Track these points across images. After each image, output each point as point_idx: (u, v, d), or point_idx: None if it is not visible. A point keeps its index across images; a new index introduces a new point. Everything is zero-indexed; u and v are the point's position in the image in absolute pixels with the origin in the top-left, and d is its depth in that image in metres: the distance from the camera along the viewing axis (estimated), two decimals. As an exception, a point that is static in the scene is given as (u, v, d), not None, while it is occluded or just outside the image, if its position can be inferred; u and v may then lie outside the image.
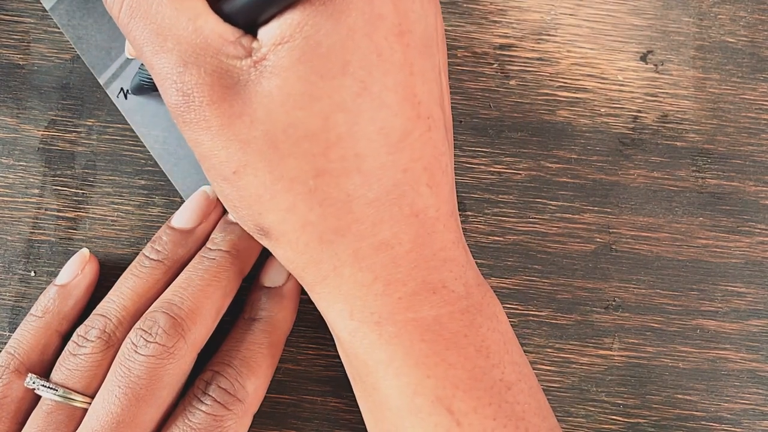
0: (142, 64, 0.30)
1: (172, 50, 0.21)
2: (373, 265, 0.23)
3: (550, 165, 0.32)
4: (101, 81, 0.31)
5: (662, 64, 0.32)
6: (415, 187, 0.22)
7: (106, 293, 0.28)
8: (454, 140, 0.32)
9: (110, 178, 0.31)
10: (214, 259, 0.27)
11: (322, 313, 0.26)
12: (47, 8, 0.31)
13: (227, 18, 0.21)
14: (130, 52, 0.28)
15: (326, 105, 0.21)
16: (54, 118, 0.31)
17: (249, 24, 0.21)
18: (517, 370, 0.25)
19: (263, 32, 0.21)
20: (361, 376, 0.25)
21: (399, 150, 0.22)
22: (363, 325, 0.24)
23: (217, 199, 0.30)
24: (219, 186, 0.23)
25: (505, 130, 0.32)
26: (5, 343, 0.29)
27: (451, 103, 0.31)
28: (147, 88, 0.30)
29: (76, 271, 0.29)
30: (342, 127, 0.21)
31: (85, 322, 0.27)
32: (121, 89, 0.31)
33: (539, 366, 0.31)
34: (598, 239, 0.32)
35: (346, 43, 0.21)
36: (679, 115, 0.32)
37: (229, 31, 0.21)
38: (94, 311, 0.28)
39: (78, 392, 0.26)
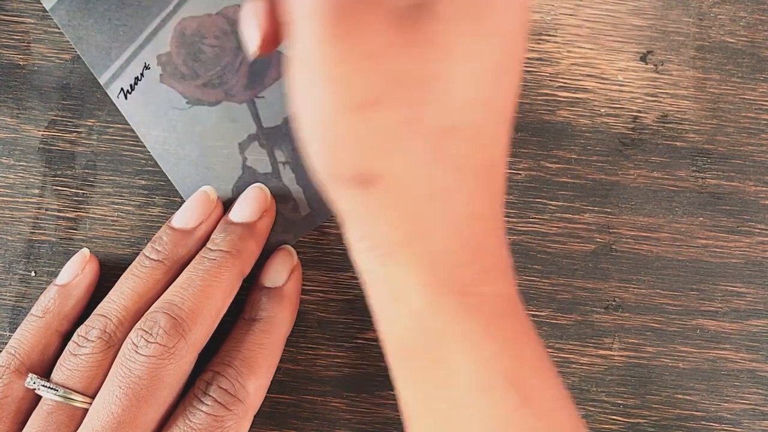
0: None
1: None
2: (466, 232, 0.22)
3: (550, 165, 0.32)
4: (101, 81, 0.31)
5: (662, 65, 0.32)
6: (503, 171, 0.23)
7: (107, 293, 0.28)
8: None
9: (110, 178, 0.31)
10: (214, 259, 0.27)
11: (387, 283, 0.24)
12: (47, 8, 0.31)
13: None
14: None
15: (481, 65, 0.21)
16: (54, 118, 0.31)
17: None
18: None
19: None
20: (424, 351, 0.23)
21: (504, 132, 0.23)
22: (444, 296, 0.22)
23: (218, 198, 0.30)
24: (335, 119, 0.21)
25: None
26: (6, 343, 0.29)
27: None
28: None
29: (77, 271, 0.29)
30: (485, 93, 0.22)
31: (85, 322, 0.27)
32: (121, 89, 0.31)
33: (539, 366, 0.31)
34: (598, 239, 0.32)
35: (510, 9, 0.21)
36: (679, 115, 0.32)
37: None
38: (95, 311, 0.28)
39: (78, 392, 0.26)
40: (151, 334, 0.25)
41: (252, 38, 0.24)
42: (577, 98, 0.32)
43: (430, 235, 0.22)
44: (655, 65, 0.32)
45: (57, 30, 0.31)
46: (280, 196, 0.31)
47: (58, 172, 0.31)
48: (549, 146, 0.32)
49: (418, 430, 0.24)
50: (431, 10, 0.20)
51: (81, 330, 0.27)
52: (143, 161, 0.31)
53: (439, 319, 0.23)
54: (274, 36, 0.24)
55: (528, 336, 0.24)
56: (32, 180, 0.31)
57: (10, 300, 0.31)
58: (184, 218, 0.29)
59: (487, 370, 0.22)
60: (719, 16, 0.32)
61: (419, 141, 0.21)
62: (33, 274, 0.31)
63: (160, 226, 0.30)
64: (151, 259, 0.28)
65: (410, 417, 0.25)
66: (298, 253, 0.31)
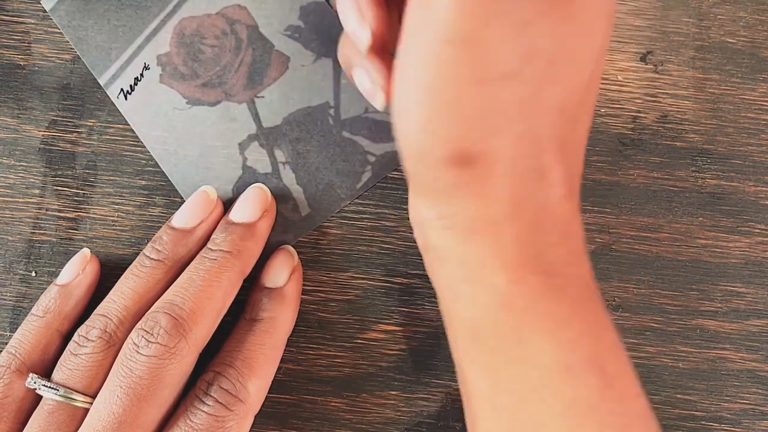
0: None
1: None
2: (556, 212, 0.22)
3: (550, 165, 0.32)
4: (102, 82, 0.31)
5: (662, 65, 0.32)
6: (583, 151, 0.24)
7: (107, 293, 0.28)
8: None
9: (111, 178, 0.31)
10: (215, 259, 0.27)
11: (468, 263, 0.23)
12: (47, 9, 0.31)
13: None
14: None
15: (597, 43, 0.21)
16: (55, 118, 0.31)
17: None
18: None
19: None
20: (501, 331, 0.23)
21: (592, 110, 0.23)
22: (530, 275, 0.22)
23: (218, 198, 0.30)
24: (461, 90, 0.19)
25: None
26: (6, 343, 0.29)
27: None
28: None
29: (77, 271, 0.29)
30: (597, 74, 0.22)
31: (86, 322, 0.27)
32: (121, 90, 0.31)
33: (539, 366, 0.31)
34: (598, 239, 0.32)
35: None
36: (679, 116, 0.32)
37: None
38: (95, 311, 0.28)
39: (79, 392, 0.26)
40: (152, 334, 0.25)
41: (363, 39, 0.23)
42: (577, 98, 0.32)
43: (523, 214, 0.22)
44: (655, 65, 0.32)
45: (57, 30, 0.31)
46: (280, 196, 0.31)
47: (59, 173, 0.31)
48: (549, 146, 0.32)
49: (491, 411, 0.23)
50: None
51: (81, 330, 0.27)
52: (143, 161, 0.31)
53: (523, 298, 0.22)
54: (385, 31, 0.23)
55: (607, 320, 0.23)
56: (33, 180, 0.31)
57: (10, 300, 0.31)
58: (184, 218, 0.29)
59: (571, 350, 0.22)
60: (719, 17, 0.32)
61: (532, 120, 0.20)
62: (33, 274, 0.31)
63: (161, 226, 0.30)
64: (152, 258, 0.28)
65: (480, 398, 0.24)
66: (298, 253, 0.31)
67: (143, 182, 0.31)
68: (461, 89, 0.19)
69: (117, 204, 0.31)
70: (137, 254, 0.29)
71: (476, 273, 0.23)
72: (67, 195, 0.31)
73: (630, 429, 0.22)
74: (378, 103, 0.24)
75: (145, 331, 0.26)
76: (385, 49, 0.24)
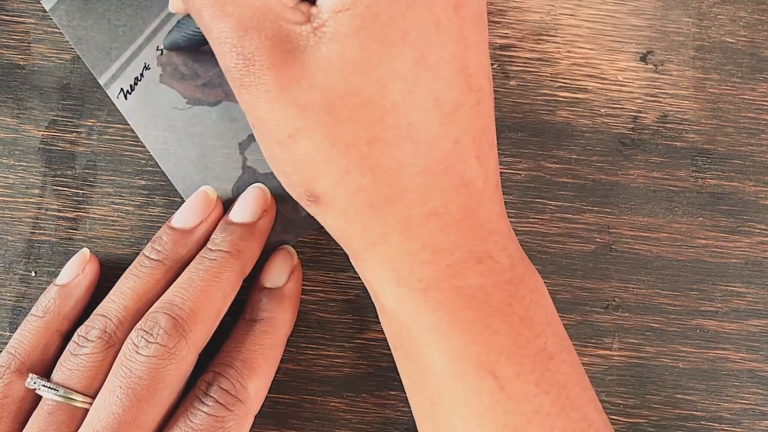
0: (179, 21, 0.30)
1: (231, 14, 0.22)
2: (421, 233, 0.23)
3: (550, 165, 0.32)
4: (101, 82, 0.31)
5: (662, 65, 0.32)
6: (464, 159, 0.23)
7: (107, 293, 0.28)
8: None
9: (110, 178, 0.31)
10: (214, 259, 0.27)
11: (365, 282, 0.26)
12: (47, 9, 0.31)
13: None
14: (176, 8, 0.28)
15: (384, 73, 0.21)
16: (54, 118, 0.31)
17: None
18: (559, 342, 0.25)
19: (329, 3, 0.21)
20: (403, 343, 0.25)
21: (450, 121, 0.22)
22: (409, 292, 0.24)
23: (218, 198, 0.30)
24: (272, 151, 0.24)
25: (505, 131, 0.32)
26: (6, 343, 0.29)
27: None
28: (183, 45, 0.30)
29: (77, 271, 0.29)
30: (398, 95, 0.22)
31: (85, 323, 0.27)
32: (121, 89, 0.31)
33: (539, 366, 0.31)
34: (598, 239, 0.32)
35: (405, 12, 0.21)
36: (679, 116, 0.32)
37: None
38: (95, 311, 0.28)
39: (79, 392, 0.26)
40: (151, 334, 0.25)
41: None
42: (577, 98, 0.32)
43: (386, 239, 0.23)
44: (655, 65, 0.32)
45: (57, 30, 0.31)
46: (280, 196, 0.31)
47: (58, 172, 0.31)
48: (549, 146, 0.32)
49: (417, 415, 0.26)
50: (324, 33, 0.21)
51: (81, 330, 0.27)
52: (143, 161, 0.31)
53: (407, 314, 0.24)
54: None
55: (507, 324, 0.24)
56: (32, 180, 0.31)
57: (10, 300, 0.31)
58: (183, 218, 0.29)
59: (459, 359, 0.24)
60: (719, 16, 0.32)
61: (343, 159, 0.22)
62: (33, 274, 0.31)
63: (160, 226, 0.30)
64: (151, 258, 0.28)
65: (411, 404, 0.27)
66: (298, 253, 0.31)
67: (143, 182, 0.31)
68: (273, 152, 0.23)
69: (117, 204, 0.31)
70: (137, 254, 0.29)
71: (373, 292, 0.26)
72: (67, 195, 0.31)
73: (530, 427, 0.23)
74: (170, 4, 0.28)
75: (145, 331, 0.26)
76: None
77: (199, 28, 0.29)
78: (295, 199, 0.25)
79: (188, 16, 0.29)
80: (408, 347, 0.25)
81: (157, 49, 0.31)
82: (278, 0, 0.21)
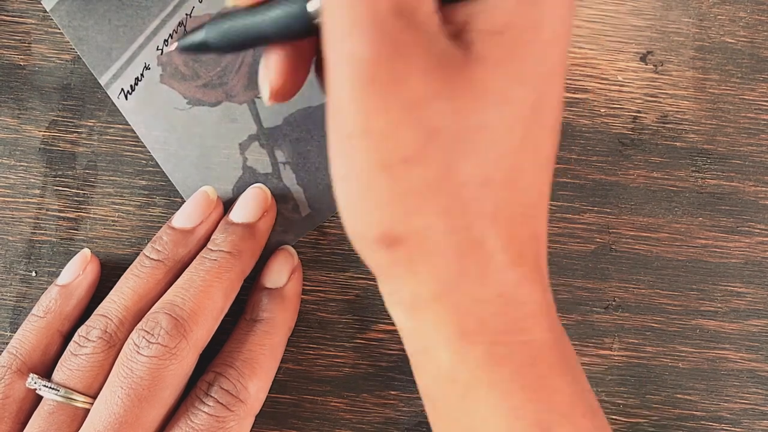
0: (212, 20, 0.24)
1: None
2: (497, 281, 0.22)
3: (550, 165, 0.32)
4: (102, 82, 0.31)
5: (662, 65, 0.32)
6: (542, 211, 0.22)
7: (108, 293, 0.28)
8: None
9: (111, 178, 0.31)
10: (215, 260, 0.27)
11: (415, 335, 0.23)
12: (48, 9, 0.31)
13: None
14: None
15: (513, 111, 0.20)
16: (55, 118, 0.31)
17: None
18: (596, 397, 0.24)
19: (481, 13, 0.19)
20: (450, 400, 0.23)
21: (543, 172, 0.22)
22: (472, 346, 0.22)
23: (218, 198, 0.30)
24: (370, 177, 0.20)
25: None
26: (7, 344, 0.29)
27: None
28: (213, 46, 0.25)
29: (78, 271, 0.29)
30: (517, 137, 0.20)
31: (86, 323, 0.27)
32: (122, 90, 0.31)
33: (539, 366, 0.31)
34: (598, 239, 0.32)
35: (547, 49, 0.20)
36: (679, 116, 0.32)
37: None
38: (96, 311, 0.28)
39: (79, 392, 0.26)
40: (152, 335, 0.25)
41: (264, 91, 0.23)
42: (577, 98, 0.32)
43: (459, 288, 0.21)
44: (655, 65, 0.32)
45: (58, 30, 0.31)
46: (281, 197, 0.31)
47: (59, 173, 0.31)
48: (549, 146, 0.32)
49: None
50: (470, 50, 0.19)
51: (82, 330, 0.27)
52: (144, 161, 0.31)
53: (466, 370, 0.22)
54: (286, 89, 0.23)
55: (561, 383, 0.23)
56: (33, 180, 0.31)
57: (10, 300, 0.31)
58: (184, 218, 0.29)
59: (516, 417, 0.22)
60: (719, 17, 0.32)
61: (449, 197, 0.20)
62: (34, 274, 0.31)
63: (161, 227, 0.30)
64: (152, 259, 0.28)
65: None
66: (298, 253, 0.31)
67: (143, 182, 0.31)
68: (369, 177, 0.20)
69: (117, 204, 0.31)
70: (137, 254, 0.29)
71: (423, 346, 0.23)
72: (68, 195, 0.31)
73: None
74: (263, 94, 0.24)
75: (146, 331, 0.26)
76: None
77: (239, 31, 0.24)
78: (354, 244, 0.22)
79: (227, 15, 0.24)
80: (456, 405, 0.23)
81: (158, 49, 0.31)
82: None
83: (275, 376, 0.29)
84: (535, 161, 0.21)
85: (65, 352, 0.27)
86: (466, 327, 0.22)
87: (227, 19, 0.24)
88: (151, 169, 0.31)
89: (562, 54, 0.21)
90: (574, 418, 0.23)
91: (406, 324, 0.23)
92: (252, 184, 0.30)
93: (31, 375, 0.27)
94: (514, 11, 0.19)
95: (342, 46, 0.18)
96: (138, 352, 0.25)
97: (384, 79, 0.18)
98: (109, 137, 0.31)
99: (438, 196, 0.20)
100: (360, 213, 0.21)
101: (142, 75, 0.31)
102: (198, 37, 0.25)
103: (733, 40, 0.32)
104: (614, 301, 0.31)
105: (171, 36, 0.31)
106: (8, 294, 0.31)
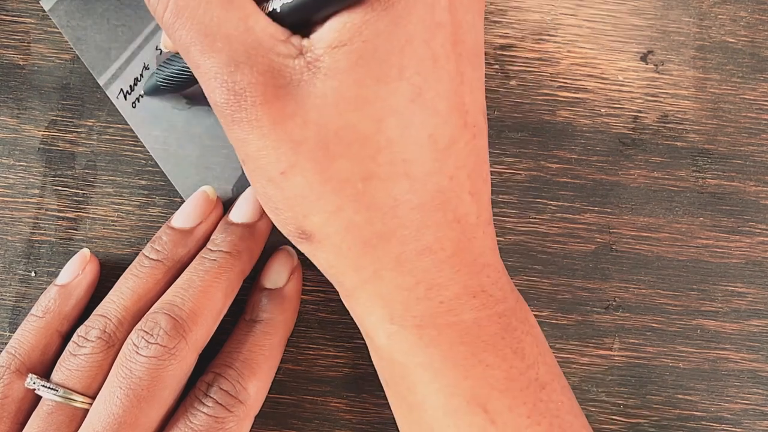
0: (159, 66, 0.29)
1: (221, 50, 0.21)
2: (415, 269, 0.23)
3: (550, 165, 0.32)
4: (101, 82, 0.31)
5: (662, 64, 0.32)
6: (459, 194, 0.23)
7: (107, 293, 0.28)
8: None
9: (110, 178, 0.31)
10: (214, 260, 0.27)
11: (356, 319, 0.26)
12: (46, 9, 0.31)
13: (274, 19, 0.21)
14: (166, 46, 0.27)
15: (380, 108, 0.21)
16: (54, 118, 0.31)
17: (299, 24, 0.21)
18: (551, 371, 0.25)
19: (319, 33, 0.21)
20: (396, 380, 0.25)
21: (446, 157, 0.22)
22: (403, 329, 0.24)
23: (218, 198, 0.30)
24: (264, 188, 0.23)
25: (506, 131, 0.32)
26: (6, 344, 0.29)
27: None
28: (164, 89, 0.29)
29: (77, 271, 0.29)
30: (394, 131, 0.21)
31: (85, 323, 0.27)
32: (121, 90, 0.31)
33: (539, 366, 0.31)
34: (598, 239, 0.32)
35: (404, 48, 0.21)
36: (680, 115, 0.32)
37: (279, 31, 0.21)
38: (95, 312, 0.28)
39: (78, 393, 0.26)
40: (151, 335, 0.25)
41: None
42: (577, 98, 0.32)
43: (378, 276, 0.23)
44: (656, 65, 0.32)
45: (57, 30, 0.31)
46: (280, 197, 0.31)
47: (58, 172, 0.31)
48: (549, 146, 0.32)
49: None
50: (315, 65, 0.21)
51: (81, 330, 0.27)
52: (143, 161, 0.31)
53: (401, 351, 0.24)
54: None
55: (500, 357, 0.24)
56: (32, 180, 0.31)
57: (10, 300, 0.31)
58: (183, 218, 0.29)
59: (452, 395, 0.24)
60: (719, 16, 0.32)
61: (336, 196, 0.22)
62: (33, 274, 0.31)
63: (160, 226, 0.30)
64: (151, 259, 0.28)
65: None
66: (298, 253, 0.31)
67: (143, 182, 0.31)
68: (264, 189, 0.23)
69: (117, 204, 0.31)
70: (137, 254, 0.29)
71: (364, 331, 0.26)
72: (67, 195, 0.31)
73: None
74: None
75: (145, 332, 0.25)
76: None
77: (182, 71, 0.28)
78: (285, 236, 0.24)
79: (170, 58, 0.29)
80: (400, 384, 0.25)
81: (156, 49, 0.31)
82: (269, 34, 0.21)
83: (275, 377, 0.29)
84: (425, 149, 0.22)
85: (64, 352, 0.27)
86: (393, 312, 0.24)
87: (172, 62, 0.29)
88: (150, 168, 0.31)
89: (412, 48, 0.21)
90: (512, 393, 0.24)
91: (349, 310, 0.26)
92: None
93: (30, 375, 0.27)
94: (359, 24, 0.21)
95: (209, 96, 0.22)
96: (137, 353, 0.25)
97: (241, 118, 0.21)
98: (108, 137, 0.31)
99: (322, 197, 0.22)
100: (272, 214, 0.24)
101: (141, 75, 0.31)
102: (152, 82, 0.30)
103: (733, 40, 0.32)
104: (615, 301, 0.31)
105: None
106: (7, 294, 0.31)
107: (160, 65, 0.29)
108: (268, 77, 0.21)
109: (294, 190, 0.22)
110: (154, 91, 0.30)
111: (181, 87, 0.29)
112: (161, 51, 0.31)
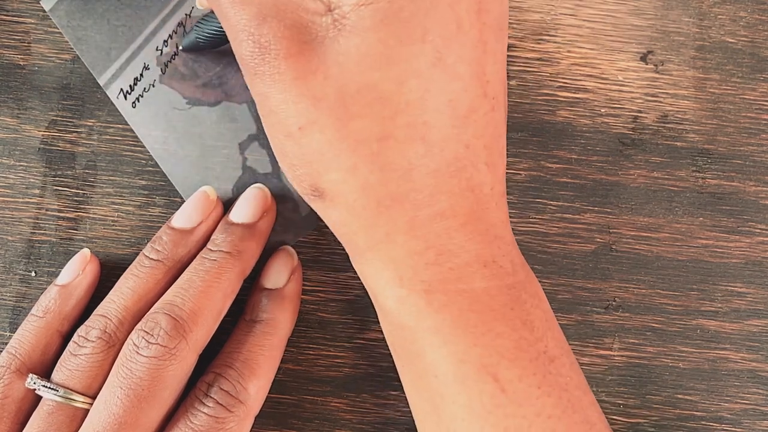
0: (198, 22, 0.30)
1: (251, 3, 0.22)
2: (427, 234, 0.23)
3: (550, 165, 0.32)
4: (101, 82, 0.31)
5: (662, 65, 0.32)
6: (475, 163, 0.23)
7: (107, 293, 0.28)
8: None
9: (111, 178, 0.31)
10: (215, 260, 0.27)
11: (366, 282, 0.26)
12: (47, 9, 0.31)
13: None
14: (201, 4, 0.28)
15: (402, 70, 0.21)
16: (54, 118, 0.31)
17: None
18: (559, 346, 0.25)
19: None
20: (404, 346, 0.25)
21: (464, 125, 0.22)
22: (412, 293, 0.24)
23: (218, 198, 0.30)
24: (281, 143, 0.23)
25: (506, 131, 0.32)
26: (6, 344, 0.29)
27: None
28: (203, 45, 0.30)
29: (77, 271, 0.29)
30: (414, 93, 0.22)
31: (85, 323, 0.27)
32: (121, 90, 0.31)
33: (539, 366, 0.31)
34: (598, 239, 0.32)
35: (429, 11, 0.21)
36: (679, 115, 0.32)
37: None
38: (95, 312, 0.28)
39: (79, 393, 0.26)
40: (152, 335, 0.25)
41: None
42: (577, 98, 0.32)
43: (390, 238, 0.23)
44: (656, 65, 0.32)
45: (57, 30, 0.31)
46: (280, 196, 0.31)
47: (59, 173, 0.31)
48: (549, 146, 0.32)
49: (418, 418, 0.26)
50: (342, 22, 0.21)
51: (81, 330, 0.27)
52: (143, 161, 0.31)
53: (410, 316, 0.24)
54: None
55: (510, 327, 0.24)
56: (32, 180, 0.31)
57: (10, 300, 0.31)
58: (183, 218, 0.29)
59: (461, 361, 0.24)
60: (719, 16, 0.32)
61: (351, 155, 0.22)
62: (33, 274, 0.31)
63: (161, 226, 0.30)
64: (151, 259, 0.28)
65: (412, 405, 0.26)
66: (298, 253, 0.31)
67: (143, 182, 0.31)
68: (281, 144, 0.23)
69: (117, 204, 0.31)
70: (137, 254, 0.29)
71: (372, 294, 0.26)
72: (67, 195, 0.31)
73: (532, 429, 0.24)
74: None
75: (145, 332, 0.26)
76: None
77: (219, 28, 0.29)
78: (299, 193, 0.25)
79: (208, 16, 0.29)
80: (409, 349, 0.25)
81: (156, 49, 0.31)
82: None
83: (275, 377, 0.29)
84: (443, 114, 0.22)
85: (64, 352, 0.27)
86: (402, 275, 0.24)
87: (211, 19, 0.29)
88: (150, 168, 0.31)
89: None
90: (522, 362, 0.24)
91: (360, 272, 0.26)
92: (252, 184, 0.30)
93: (31, 375, 0.27)
94: None
95: (235, 48, 0.23)
96: (137, 353, 0.25)
97: (264, 71, 0.22)
98: (108, 137, 0.31)
99: (339, 155, 0.22)
100: (287, 170, 0.24)
101: (141, 75, 0.31)
102: (190, 37, 0.30)
103: (733, 40, 0.32)
104: (614, 301, 0.31)
105: (170, 36, 0.31)
106: (7, 294, 0.31)
107: (198, 22, 0.30)
108: (294, 32, 0.21)
109: (311, 146, 0.22)
110: (193, 47, 0.30)
111: (218, 44, 0.30)
112: (161, 51, 0.31)
